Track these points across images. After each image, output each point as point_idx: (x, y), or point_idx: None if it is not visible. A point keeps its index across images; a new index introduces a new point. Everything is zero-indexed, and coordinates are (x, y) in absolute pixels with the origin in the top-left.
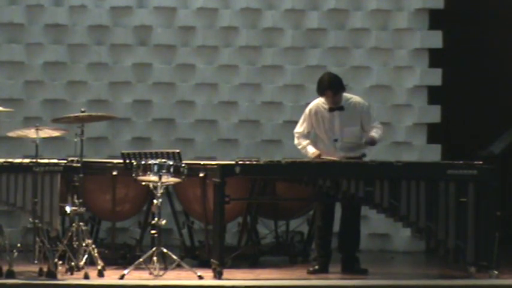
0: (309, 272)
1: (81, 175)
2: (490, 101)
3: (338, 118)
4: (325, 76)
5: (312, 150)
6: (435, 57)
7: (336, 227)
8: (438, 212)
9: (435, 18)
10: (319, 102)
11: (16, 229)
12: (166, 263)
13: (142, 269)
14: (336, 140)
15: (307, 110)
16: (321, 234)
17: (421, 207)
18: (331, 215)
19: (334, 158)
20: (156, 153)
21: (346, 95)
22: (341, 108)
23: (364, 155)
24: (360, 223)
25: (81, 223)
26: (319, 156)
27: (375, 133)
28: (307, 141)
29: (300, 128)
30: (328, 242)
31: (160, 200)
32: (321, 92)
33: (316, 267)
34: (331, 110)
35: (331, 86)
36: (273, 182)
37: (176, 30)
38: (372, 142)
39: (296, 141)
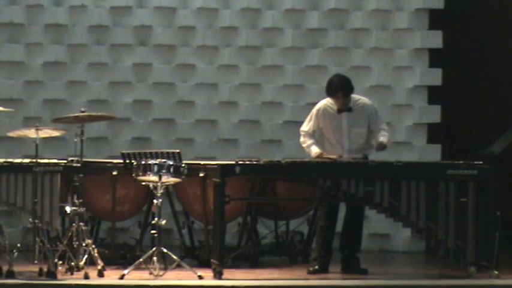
0: (309, 272)
1: (81, 175)
2: (490, 101)
3: (346, 119)
4: (334, 78)
5: (315, 150)
6: (435, 57)
7: (338, 227)
8: (438, 212)
9: (435, 18)
10: (327, 102)
11: (16, 229)
12: (166, 263)
13: (142, 269)
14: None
15: (314, 110)
16: (323, 234)
17: (421, 207)
18: (335, 216)
19: (336, 157)
20: (156, 153)
21: (354, 96)
22: (349, 110)
23: (366, 157)
24: (363, 224)
25: (81, 223)
26: (321, 155)
27: (383, 137)
28: (312, 140)
29: (306, 126)
30: (330, 242)
31: (160, 200)
32: (331, 93)
33: (316, 267)
34: (339, 111)
35: (342, 88)
36: (273, 182)
37: (176, 30)
38: (382, 147)
39: (302, 139)
